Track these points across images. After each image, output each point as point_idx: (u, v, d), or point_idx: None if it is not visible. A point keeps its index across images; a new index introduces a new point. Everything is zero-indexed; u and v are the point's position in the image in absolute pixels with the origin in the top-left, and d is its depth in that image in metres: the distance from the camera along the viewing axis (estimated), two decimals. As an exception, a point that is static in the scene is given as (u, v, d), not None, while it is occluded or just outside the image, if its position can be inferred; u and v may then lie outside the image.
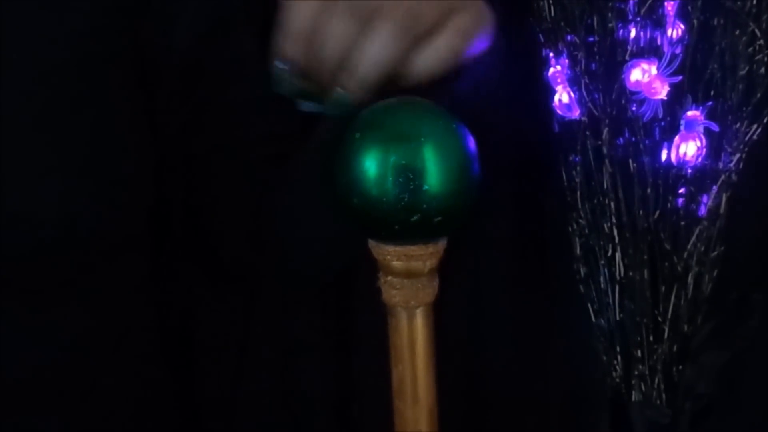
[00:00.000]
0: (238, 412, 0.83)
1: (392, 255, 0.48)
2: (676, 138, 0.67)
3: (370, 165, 0.46)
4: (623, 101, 0.67)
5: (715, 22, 0.67)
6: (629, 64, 0.67)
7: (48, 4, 0.59)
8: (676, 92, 0.67)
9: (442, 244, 0.49)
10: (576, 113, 0.69)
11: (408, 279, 0.49)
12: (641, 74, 0.66)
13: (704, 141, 0.67)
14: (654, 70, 0.66)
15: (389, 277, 0.49)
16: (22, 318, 0.62)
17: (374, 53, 0.47)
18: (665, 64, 0.66)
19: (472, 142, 0.48)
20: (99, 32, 0.61)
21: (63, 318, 0.64)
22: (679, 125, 0.67)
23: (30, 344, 0.63)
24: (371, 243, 0.49)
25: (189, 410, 0.80)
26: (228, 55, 0.66)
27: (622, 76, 0.67)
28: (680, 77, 0.66)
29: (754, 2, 0.66)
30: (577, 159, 0.69)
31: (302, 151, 0.62)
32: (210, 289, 0.80)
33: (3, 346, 0.62)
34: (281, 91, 0.49)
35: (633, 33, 0.67)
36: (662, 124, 0.67)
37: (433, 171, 0.46)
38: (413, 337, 0.50)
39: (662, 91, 0.66)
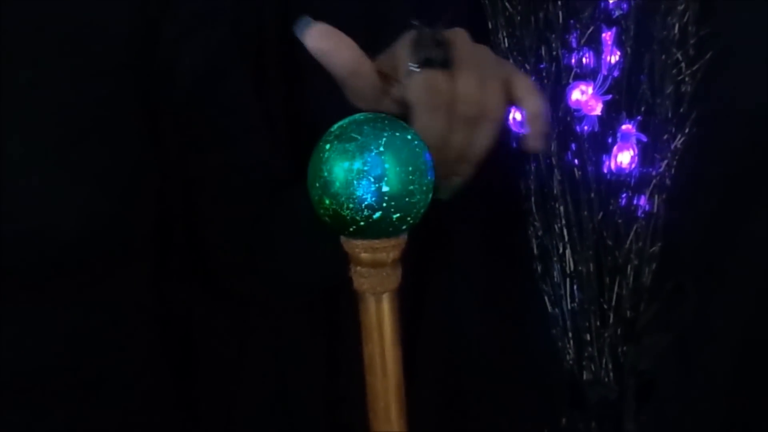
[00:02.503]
0: (237, 412, 0.88)
1: (360, 248, 0.55)
2: (614, 148, 0.77)
3: (339, 171, 0.53)
4: (568, 118, 0.77)
5: (646, 49, 0.77)
6: (571, 85, 0.76)
7: (71, 47, 0.66)
8: (612, 109, 0.76)
9: (403, 238, 0.56)
10: (528, 130, 0.78)
11: (374, 268, 0.55)
12: (580, 94, 0.76)
13: (636, 150, 0.76)
14: (590, 90, 0.76)
15: (358, 268, 0.56)
16: (29, 320, 0.65)
17: (482, 146, 0.57)
18: (599, 85, 0.75)
19: (426, 152, 0.55)
20: (114, 70, 0.67)
21: (68, 321, 0.67)
22: (616, 137, 0.77)
23: (35, 346, 0.66)
24: (342, 238, 0.56)
25: (189, 411, 0.84)
26: (224, 92, 0.72)
27: (565, 96, 0.77)
28: (611, 96, 0.76)
29: (676, 32, 0.76)
30: (531, 170, 0.78)
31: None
32: (209, 296, 0.85)
33: (9, 346, 0.65)
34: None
35: (575, 59, 0.77)
36: (602, 137, 0.77)
37: (392, 176, 0.53)
38: (381, 319, 0.56)
39: (597, 108, 0.76)
